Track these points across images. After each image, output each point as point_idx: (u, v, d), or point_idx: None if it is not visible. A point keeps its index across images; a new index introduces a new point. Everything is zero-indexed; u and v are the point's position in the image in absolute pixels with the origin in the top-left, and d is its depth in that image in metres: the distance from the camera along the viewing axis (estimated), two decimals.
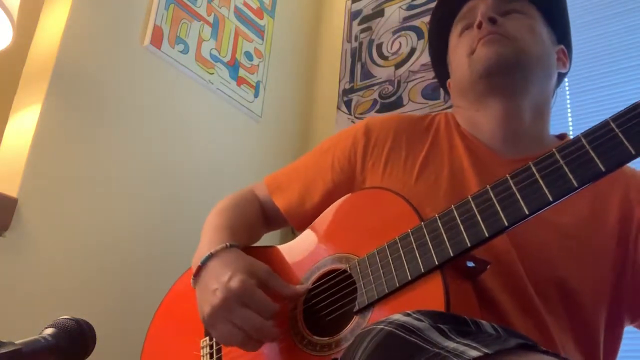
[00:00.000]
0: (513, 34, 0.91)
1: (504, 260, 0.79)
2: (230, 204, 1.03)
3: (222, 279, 0.81)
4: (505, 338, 0.54)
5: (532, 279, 0.79)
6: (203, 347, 0.92)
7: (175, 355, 0.96)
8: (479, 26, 0.93)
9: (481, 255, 0.72)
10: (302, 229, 0.95)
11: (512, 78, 0.91)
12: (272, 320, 0.80)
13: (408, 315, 0.57)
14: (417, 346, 0.51)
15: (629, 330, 0.87)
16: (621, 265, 0.83)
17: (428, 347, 0.51)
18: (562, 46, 1.01)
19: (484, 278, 0.76)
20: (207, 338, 0.92)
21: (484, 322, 0.61)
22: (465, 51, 0.94)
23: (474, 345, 0.49)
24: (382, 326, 0.55)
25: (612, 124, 0.62)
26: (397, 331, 0.54)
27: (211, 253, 0.86)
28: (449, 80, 1.06)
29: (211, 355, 0.90)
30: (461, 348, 0.49)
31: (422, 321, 0.55)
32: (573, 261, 0.81)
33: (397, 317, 0.56)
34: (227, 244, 0.88)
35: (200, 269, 0.87)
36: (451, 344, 0.50)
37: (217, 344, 0.91)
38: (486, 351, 0.47)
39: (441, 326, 0.54)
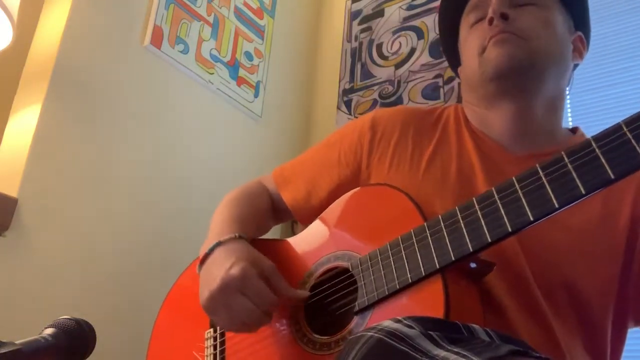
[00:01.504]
0: (527, 31, 0.87)
1: (511, 263, 0.78)
2: (240, 196, 1.03)
3: (225, 265, 0.81)
4: (497, 345, 0.54)
5: (540, 281, 0.78)
6: (207, 339, 0.93)
7: (180, 347, 0.96)
8: (490, 22, 0.88)
9: (487, 256, 0.72)
10: (307, 223, 0.95)
11: (525, 80, 0.87)
12: (269, 313, 0.80)
13: (399, 321, 0.56)
14: (406, 354, 0.51)
15: (629, 330, 0.87)
16: (628, 267, 0.82)
17: (418, 355, 0.51)
18: (579, 33, 0.96)
19: (489, 281, 0.75)
20: (212, 330, 0.93)
21: (477, 327, 0.60)
22: (475, 48, 0.90)
23: (464, 353, 0.49)
24: (372, 333, 0.55)
25: (624, 128, 0.59)
26: (387, 339, 0.53)
27: (219, 241, 0.87)
28: (459, 68, 1.03)
29: (215, 347, 0.91)
30: (452, 357, 0.49)
31: (413, 328, 0.55)
32: (583, 263, 0.80)
33: (388, 323, 0.56)
34: (236, 234, 0.88)
35: (206, 256, 0.87)
36: (441, 352, 0.50)
37: (222, 335, 0.92)
38: None
39: (432, 333, 0.54)
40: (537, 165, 0.65)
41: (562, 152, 0.63)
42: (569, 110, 1.65)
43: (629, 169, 0.58)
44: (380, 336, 0.54)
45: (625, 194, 0.84)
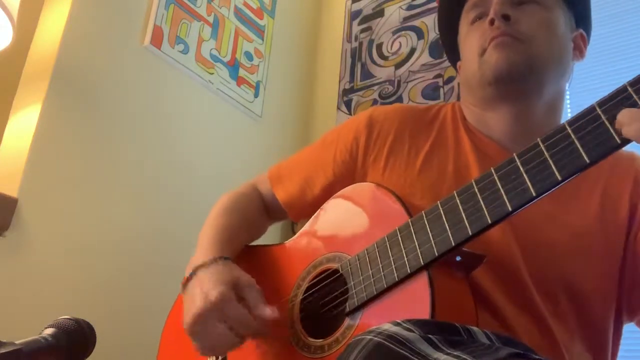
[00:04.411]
0: (528, 33, 0.86)
1: (506, 261, 0.78)
2: (229, 205, 1.02)
3: (203, 290, 0.80)
4: (496, 348, 0.54)
5: (537, 279, 0.78)
6: None
7: (185, 353, 0.96)
8: (492, 23, 0.87)
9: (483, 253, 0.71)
10: (300, 220, 0.95)
11: (524, 85, 0.87)
12: (247, 335, 0.80)
13: (398, 325, 0.56)
14: (406, 358, 0.51)
15: (629, 328, 0.87)
16: (623, 261, 0.82)
17: (417, 359, 0.51)
18: (580, 30, 0.95)
19: (482, 279, 0.75)
20: None
21: (476, 329, 0.60)
22: (475, 49, 0.89)
23: (464, 357, 0.49)
24: (371, 336, 0.55)
25: (598, 109, 0.58)
26: (387, 342, 0.53)
27: (198, 265, 0.86)
28: (459, 63, 1.02)
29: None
30: None
31: (412, 331, 0.55)
32: (582, 261, 0.80)
33: (387, 327, 0.56)
34: (216, 256, 0.87)
35: (188, 279, 0.87)
36: (441, 356, 0.50)
37: None
38: None
39: (431, 337, 0.54)
40: (514, 154, 0.65)
41: (538, 139, 0.63)
42: (569, 110, 1.65)
43: (603, 151, 0.57)
44: (380, 340, 0.54)
45: (622, 190, 0.84)
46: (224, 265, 0.86)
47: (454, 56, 1.04)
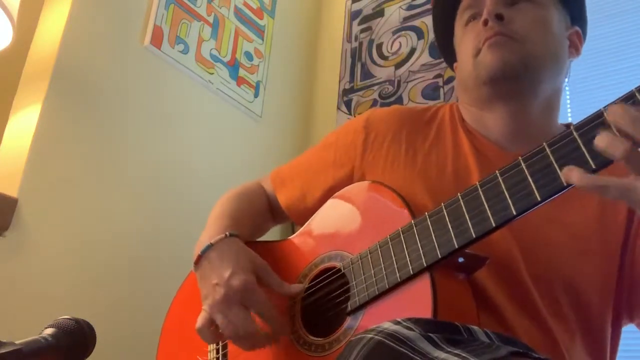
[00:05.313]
0: (522, 33, 0.86)
1: (506, 261, 0.78)
2: (237, 194, 1.04)
3: (223, 274, 0.81)
4: (496, 346, 0.54)
5: (537, 280, 0.78)
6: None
7: (185, 349, 0.96)
8: (485, 23, 0.87)
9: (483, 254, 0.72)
10: (302, 223, 0.96)
11: (519, 84, 0.87)
12: (266, 330, 0.81)
13: (398, 323, 0.56)
14: (406, 356, 0.51)
15: (629, 329, 0.87)
16: (622, 261, 0.82)
17: (417, 357, 0.51)
18: (576, 28, 0.95)
19: (482, 280, 0.75)
20: None
21: (476, 328, 0.61)
22: (470, 49, 0.90)
23: (464, 355, 0.50)
24: (372, 335, 0.55)
25: (605, 114, 0.57)
26: (387, 341, 0.54)
27: (211, 243, 0.87)
28: (455, 64, 1.02)
29: (217, 350, 0.91)
30: (451, 359, 0.49)
31: (413, 330, 0.55)
32: (581, 262, 0.80)
33: (387, 325, 0.56)
34: (227, 233, 0.88)
35: (200, 258, 0.88)
36: (441, 354, 0.51)
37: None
38: None
39: (431, 335, 0.54)
40: (520, 157, 0.64)
41: (544, 143, 0.62)
42: (569, 110, 1.65)
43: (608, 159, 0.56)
44: (380, 338, 0.54)
45: None
46: (234, 245, 0.87)
47: (451, 57, 1.04)
